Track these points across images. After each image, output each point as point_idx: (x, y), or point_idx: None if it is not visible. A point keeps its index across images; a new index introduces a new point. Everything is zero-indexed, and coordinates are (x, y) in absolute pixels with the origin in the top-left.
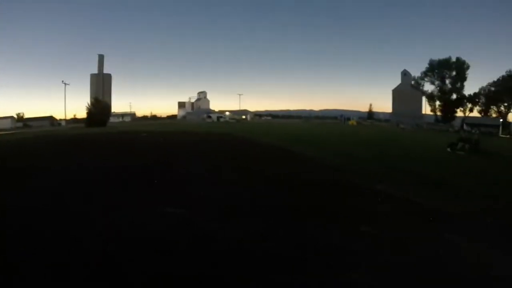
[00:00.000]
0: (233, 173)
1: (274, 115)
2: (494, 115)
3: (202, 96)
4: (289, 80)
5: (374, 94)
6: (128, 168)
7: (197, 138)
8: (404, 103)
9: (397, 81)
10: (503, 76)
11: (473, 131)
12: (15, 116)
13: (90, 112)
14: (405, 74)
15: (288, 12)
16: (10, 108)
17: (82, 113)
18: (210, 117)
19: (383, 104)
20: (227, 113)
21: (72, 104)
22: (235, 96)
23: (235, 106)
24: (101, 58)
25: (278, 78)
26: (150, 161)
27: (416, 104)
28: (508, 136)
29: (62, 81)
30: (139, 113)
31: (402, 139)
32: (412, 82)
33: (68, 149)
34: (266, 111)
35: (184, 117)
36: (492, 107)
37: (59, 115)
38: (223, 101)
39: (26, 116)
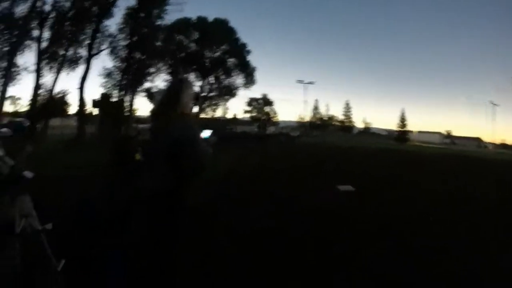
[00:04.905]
0: None
1: None
2: None
3: None
4: None
5: None
6: None
7: None
8: None
9: None
10: None
11: None
12: (444, 133)
13: None
14: None
15: None
16: (439, 125)
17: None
18: None
19: None
20: None
21: (501, 127)
22: None
23: None
24: None
25: None
26: None
27: None
28: None
29: (491, 101)
30: None
31: None
32: None
33: None
34: None
35: None
36: None
37: (486, 137)
38: None
39: (454, 134)
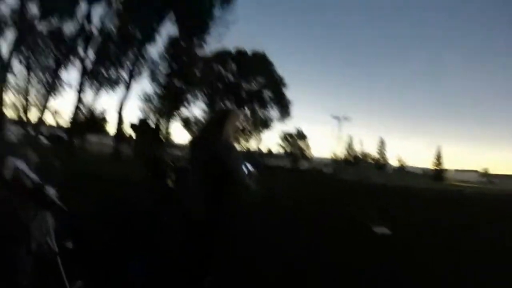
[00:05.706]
0: None
1: None
2: None
3: None
4: None
5: None
6: None
7: None
8: None
9: None
10: None
11: None
12: (480, 170)
13: None
14: None
15: None
16: (476, 162)
17: None
18: None
19: None
20: None
21: None
22: None
23: None
24: None
25: None
26: None
27: None
28: None
29: None
30: None
31: None
32: None
33: None
34: None
35: None
36: None
37: None
38: None
39: (492, 171)
